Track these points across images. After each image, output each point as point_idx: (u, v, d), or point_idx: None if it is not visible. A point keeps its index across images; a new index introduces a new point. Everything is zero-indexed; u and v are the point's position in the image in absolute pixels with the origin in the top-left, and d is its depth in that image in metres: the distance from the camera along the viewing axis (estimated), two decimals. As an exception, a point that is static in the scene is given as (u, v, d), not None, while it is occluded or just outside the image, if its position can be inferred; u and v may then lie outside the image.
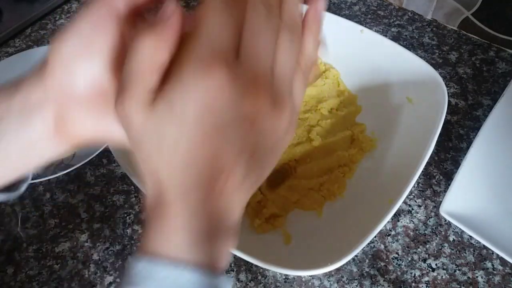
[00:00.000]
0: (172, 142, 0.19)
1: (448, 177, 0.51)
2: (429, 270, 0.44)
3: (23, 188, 0.28)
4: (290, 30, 0.21)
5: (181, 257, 0.19)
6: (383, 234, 0.47)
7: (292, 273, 0.36)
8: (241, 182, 0.20)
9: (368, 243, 0.45)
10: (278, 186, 0.47)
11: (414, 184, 0.42)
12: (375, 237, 0.45)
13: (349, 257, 0.35)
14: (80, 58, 0.22)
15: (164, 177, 0.20)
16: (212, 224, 0.20)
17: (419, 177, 0.44)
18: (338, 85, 0.56)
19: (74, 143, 0.24)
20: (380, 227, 0.37)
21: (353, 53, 0.54)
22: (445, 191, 0.49)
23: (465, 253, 0.45)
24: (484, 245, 0.44)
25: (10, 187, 0.27)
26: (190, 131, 0.19)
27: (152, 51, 0.19)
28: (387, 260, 0.45)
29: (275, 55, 0.20)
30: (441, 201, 0.44)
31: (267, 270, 0.44)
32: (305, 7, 0.23)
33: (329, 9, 0.72)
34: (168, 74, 0.19)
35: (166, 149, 0.19)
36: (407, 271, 0.44)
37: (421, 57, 0.49)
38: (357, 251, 0.36)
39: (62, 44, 0.22)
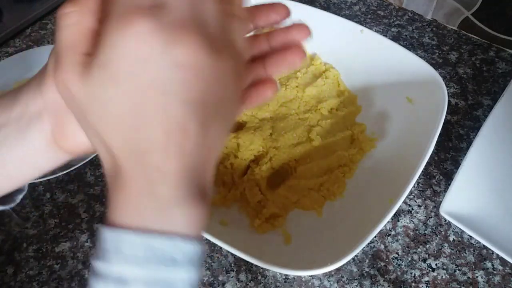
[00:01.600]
0: (114, 106, 0.18)
1: (448, 177, 0.51)
2: (429, 270, 0.44)
3: (18, 199, 0.28)
4: None
5: (147, 226, 0.19)
6: (383, 234, 0.47)
7: (292, 273, 0.36)
8: (199, 137, 0.19)
9: (368, 243, 0.45)
10: (278, 186, 0.47)
11: (414, 184, 0.42)
12: (375, 237, 0.45)
13: (349, 257, 0.36)
14: None
15: (117, 146, 0.19)
16: (177, 188, 0.19)
17: (419, 177, 0.44)
18: (338, 85, 0.56)
19: (70, 153, 0.24)
20: (380, 227, 0.37)
21: (353, 53, 0.54)
22: (445, 191, 0.49)
23: (465, 253, 0.45)
24: (484, 245, 0.44)
25: (5, 199, 0.27)
26: (128, 89, 0.18)
27: (74, 19, 0.19)
28: (387, 260, 0.45)
29: (201, 2, 0.19)
30: (441, 201, 0.44)
31: (267, 270, 0.44)
32: None
33: (329, 9, 0.72)
34: (99, 37, 0.19)
35: (111, 115, 0.18)
36: (407, 271, 0.44)
37: (421, 57, 0.49)
38: (357, 251, 0.36)
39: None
